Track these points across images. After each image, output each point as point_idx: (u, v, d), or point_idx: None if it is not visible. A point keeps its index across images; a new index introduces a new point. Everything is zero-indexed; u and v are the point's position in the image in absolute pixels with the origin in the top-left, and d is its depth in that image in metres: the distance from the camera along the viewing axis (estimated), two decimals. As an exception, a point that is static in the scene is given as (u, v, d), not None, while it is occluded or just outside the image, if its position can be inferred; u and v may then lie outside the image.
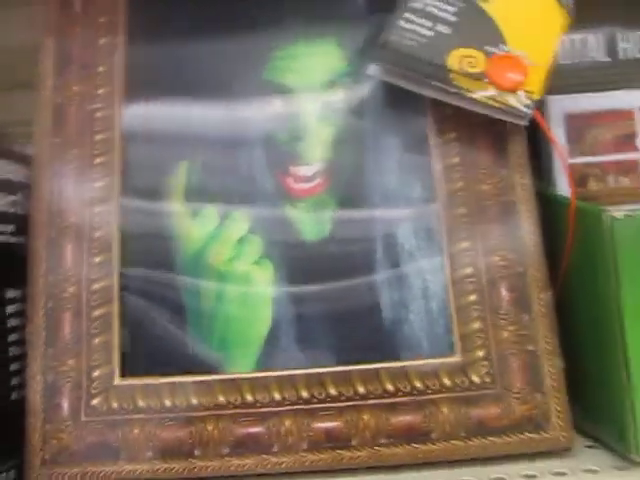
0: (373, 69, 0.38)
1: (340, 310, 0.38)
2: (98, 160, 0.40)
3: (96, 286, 0.38)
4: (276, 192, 0.39)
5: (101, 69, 0.41)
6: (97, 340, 0.38)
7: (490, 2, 0.38)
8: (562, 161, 0.37)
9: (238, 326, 0.38)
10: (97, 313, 0.38)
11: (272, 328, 0.37)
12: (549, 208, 0.38)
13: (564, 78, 0.43)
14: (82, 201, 0.39)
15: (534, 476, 0.34)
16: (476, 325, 0.37)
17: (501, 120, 0.38)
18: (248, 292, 0.38)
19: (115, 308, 0.38)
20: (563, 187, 0.41)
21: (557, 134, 0.42)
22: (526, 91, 0.36)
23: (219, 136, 0.40)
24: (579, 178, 0.43)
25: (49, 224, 0.39)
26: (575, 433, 0.36)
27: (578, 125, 0.43)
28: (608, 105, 0.43)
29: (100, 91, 0.41)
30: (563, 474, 0.34)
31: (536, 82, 0.36)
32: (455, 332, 0.37)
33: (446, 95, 0.37)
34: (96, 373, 0.37)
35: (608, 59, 0.44)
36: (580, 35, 0.44)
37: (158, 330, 0.38)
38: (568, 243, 0.36)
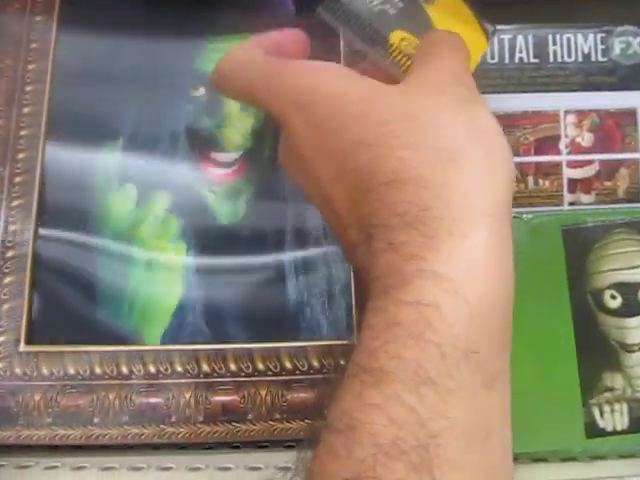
0: (323, 13, 0.39)
1: (248, 291, 0.39)
2: (23, 132, 0.41)
3: (10, 253, 0.39)
4: (195, 176, 0.41)
5: (34, 46, 0.42)
6: (5, 306, 0.38)
7: (431, 6, 0.42)
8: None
9: (147, 301, 0.39)
10: (7, 280, 0.39)
11: (180, 305, 0.39)
12: None
13: (491, 78, 0.44)
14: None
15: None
16: (374, 310, 0.39)
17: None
18: (160, 269, 0.39)
19: (27, 275, 0.39)
20: None
21: None
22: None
23: (146, 118, 0.42)
24: None
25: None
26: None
27: (501, 125, 0.44)
28: (533, 106, 0.44)
29: (30, 67, 0.42)
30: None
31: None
32: (354, 316, 0.39)
33: (384, 62, 0.39)
34: (2, 338, 0.38)
35: (536, 60, 0.44)
36: (509, 35, 0.44)
37: (68, 300, 0.39)
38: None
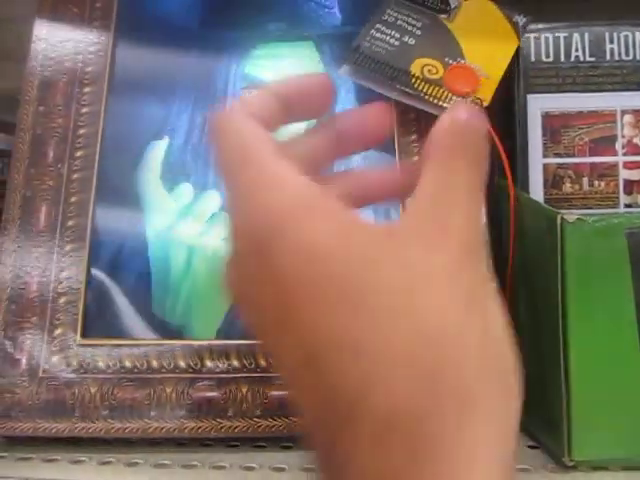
0: (344, 70, 0.42)
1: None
2: (81, 131, 0.42)
3: (66, 251, 0.40)
4: (248, 175, 0.42)
5: (91, 49, 0.44)
6: (62, 300, 0.39)
7: (453, 22, 0.43)
8: (502, 157, 0.40)
9: (202, 296, 0.39)
10: (65, 274, 0.39)
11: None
12: (515, 208, 0.40)
13: (546, 77, 0.44)
14: (59, 173, 0.41)
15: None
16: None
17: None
18: (215, 265, 0.40)
19: (84, 268, 0.39)
20: (536, 187, 0.43)
21: (534, 133, 0.43)
22: (477, 98, 0.40)
23: (198, 118, 0.43)
24: (553, 179, 0.43)
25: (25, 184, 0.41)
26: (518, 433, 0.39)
27: (556, 125, 0.43)
28: (589, 106, 0.43)
29: (88, 69, 0.43)
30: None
31: (487, 91, 0.41)
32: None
33: (407, 96, 0.41)
34: (58, 331, 0.38)
35: (592, 59, 0.44)
36: (565, 33, 0.44)
37: (124, 294, 0.39)
38: (511, 236, 0.39)
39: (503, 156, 0.39)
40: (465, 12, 0.44)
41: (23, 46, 0.44)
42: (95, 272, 0.39)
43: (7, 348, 0.37)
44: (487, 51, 0.42)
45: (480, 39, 0.42)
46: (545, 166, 0.44)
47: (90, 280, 0.39)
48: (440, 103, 0.40)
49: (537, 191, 0.44)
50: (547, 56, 0.45)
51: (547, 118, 0.44)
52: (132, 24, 0.45)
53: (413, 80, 0.40)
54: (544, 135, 0.44)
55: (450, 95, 0.40)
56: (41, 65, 0.43)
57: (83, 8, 0.44)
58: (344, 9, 0.46)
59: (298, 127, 0.28)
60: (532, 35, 0.45)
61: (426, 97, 0.40)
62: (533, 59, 0.45)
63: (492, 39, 0.42)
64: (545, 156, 0.44)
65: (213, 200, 0.41)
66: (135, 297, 0.39)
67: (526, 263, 0.39)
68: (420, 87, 0.40)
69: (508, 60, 0.42)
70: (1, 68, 0.56)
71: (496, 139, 0.39)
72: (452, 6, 0.44)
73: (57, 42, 0.44)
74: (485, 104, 0.40)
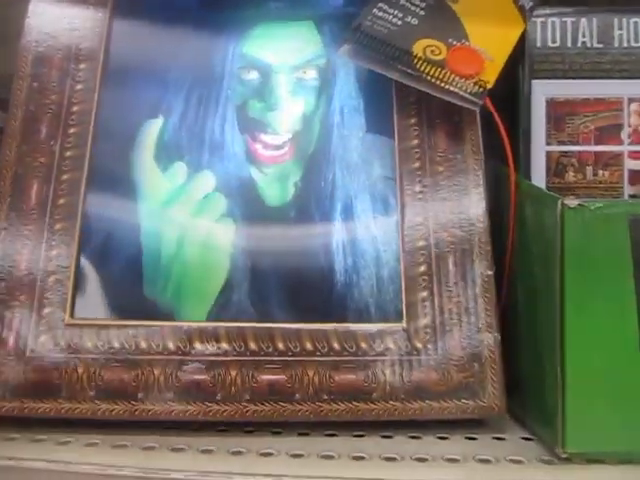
0: (344, 49, 0.41)
1: (295, 271, 0.39)
2: (75, 109, 0.41)
3: (56, 229, 0.39)
4: (244, 156, 0.41)
5: (87, 25, 0.43)
6: (51, 279, 0.38)
7: (457, 3, 0.42)
8: (504, 141, 0.39)
9: (194, 277, 0.39)
10: (55, 252, 0.39)
11: (227, 282, 0.38)
12: (515, 194, 0.40)
13: (551, 62, 0.43)
14: (51, 151, 0.40)
15: (456, 460, 0.35)
16: (423, 294, 0.38)
17: (458, 110, 0.41)
18: (207, 247, 0.39)
19: (74, 247, 0.38)
20: (538, 175, 0.42)
21: (538, 119, 0.43)
22: (480, 80, 0.39)
23: (194, 98, 0.42)
24: (556, 168, 0.42)
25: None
26: (513, 424, 0.38)
27: (560, 112, 0.42)
28: (595, 93, 0.42)
29: (83, 46, 0.42)
30: (487, 461, 0.34)
31: (491, 74, 0.40)
32: (403, 299, 0.38)
33: (408, 77, 0.40)
34: (47, 310, 0.37)
35: (600, 45, 0.43)
36: (572, 18, 0.43)
37: (114, 274, 0.39)
38: (510, 222, 0.39)
39: (505, 141, 0.38)
40: (471, -10, 0.43)
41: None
42: (85, 252, 0.39)
43: (-6, 325, 0.37)
44: (492, 34, 0.41)
45: (485, 22, 0.41)
46: (548, 154, 0.43)
47: (80, 260, 0.38)
48: (442, 85, 0.39)
49: (539, 179, 0.43)
50: (553, 41, 0.44)
51: (552, 104, 0.43)
52: (129, 1, 0.44)
53: (415, 61, 0.39)
54: (548, 122, 0.43)
55: (453, 76, 0.39)
56: (36, 41, 0.42)
57: (79, -17, 0.44)
58: (346, -11, 0.45)
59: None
60: (538, 19, 0.44)
61: (428, 78, 0.39)
62: (539, 44, 0.44)
63: (497, 22, 0.41)
64: (548, 143, 0.43)
65: (207, 181, 0.40)
66: (125, 277, 0.38)
67: (526, 250, 0.39)
68: (422, 68, 0.39)
69: (513, 44, 0.41)
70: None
71: (499, 123, 0.38)
72: (457, -13, 0.43)
73: (53, 18, 0.43)
74: (489, 86, 0.39)
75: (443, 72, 0.39)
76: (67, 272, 0.38)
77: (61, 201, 0.39)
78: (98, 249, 0.39)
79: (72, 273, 0.38)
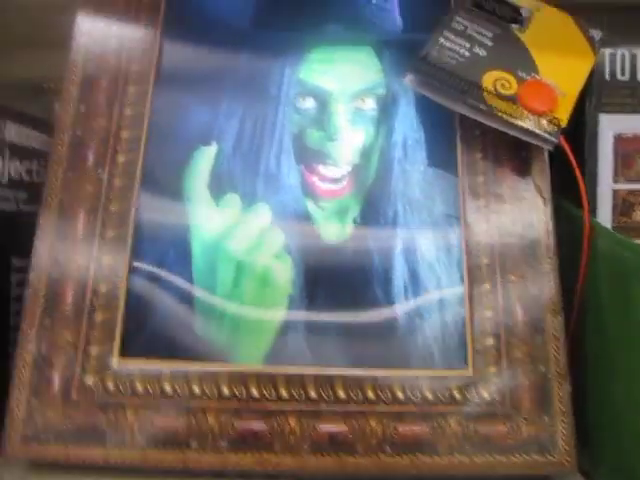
0: (410, 79, 0.39)
1: (355, 313, 0.37)
2: (124, 134, 0.39)
3: (104, 263, 0.37)
4: (300, 188, 0.39)
5: (137, 45, 0.41)
6: (99, 316, 0.36)
7: (525, 32, 0.40)
8: (579, 181, 0.37)
9: (251, 317, 0.36)
10: (103, 289, 0.36)
11: (284, 323, 0.36)
12: (579, 232, 0.38)
13: (620, 96, 0.42)
14: (98, 179, 0.38)
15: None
16: (490, 342, 0.36)
17: (526, 145, 0.39)
18: (264, 284, 0.37)
19: (122, 285, 0.36)
20: (604, 213, 0.40)
21: (604, 155, 0.41)
22: (554, 117, 0.37)
23: (248, 124, 0.40)
24: (623, 206, 0.41)
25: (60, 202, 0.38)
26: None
27: (628, 148, 0.41)
28: None
29: (133, 68, 0.40)
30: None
31: (564, 110, 0.38)
32: (469, 347, 0.36)
33: (478, 113, 0.38)
34: (94, 350, 0.35)
35: None
36: None
37: (165, 313, 0.36)
38: (581, 269, 0.37)
39: (581, 185, 0.36)
40: (538, 22, 0.41)
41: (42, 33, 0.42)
42: (135, 286, 0.37)
43: (40, 365, 0.35)
44: (562, 66, 0.39)
45: (554, 53, 0.39)
46: (615, 191, 0.42)
47: (129, 294, 0.36)
48: (515, 122, 0.37)
49: (605, 217, 0.41)
50: (622, 74, 0.42)
51: (619, 140, 0.42)
52: (180, 20, 0.42)
53: (485, 94, 0.37)
54: (615, 158, 0.41)
55: (526, 113, 0.37)
56: (83, 61, 0.40)
57: (129, 2, 0.42)
58: (405, 14, 0.43)
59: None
60: (607, 51, 0.42)
61: (499, 114, 0.37)
62: (607, 76, 0.42)
63: (567, 53, 0.39)
64: (616, 181, 0.42)
65: (263, 213, 0.38)
66: (177, 314, 0.36)
67: (597, 297, 0.37)
68: (493, 103, 0.37)
69: (584, 77, 0.39)
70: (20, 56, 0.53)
71: (574, 164, 0.36)
72: (524, 15, 0.41)
73: (100, 37, 0.41)
74: (563, 125, 0.37)
75: (515, 108, 0.37)
76: (115, 308, 0.36)
77: (109, 233, 0.37)
78: (148, 283, 0.37)
79: (121, 309, 0.36)
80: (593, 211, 0.41)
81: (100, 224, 0.37)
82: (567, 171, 0.40)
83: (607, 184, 0.42)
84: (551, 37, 0.40)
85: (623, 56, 0.42)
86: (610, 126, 0.41)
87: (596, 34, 0.41)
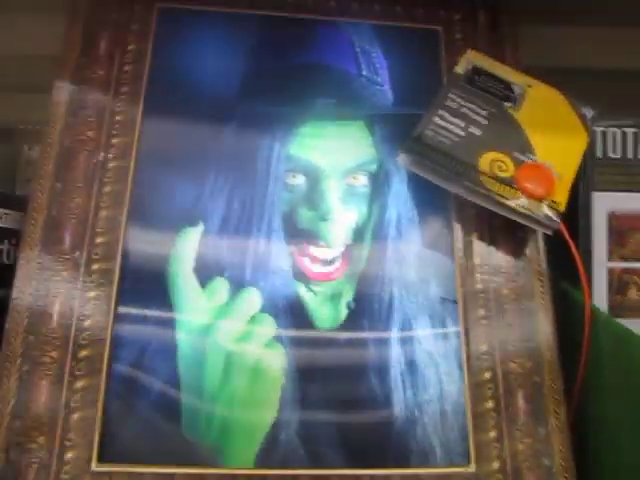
0: (404, 159, 0.38)
1: (351, 407, 0.35)
2: (103, 213, 0.37)
3: (83, 353, 0.34)
4: (292, 272, 0.37)
5: (118, 118, 0.39)
6: (76, 415, 0.33)
7: (519, 111, 0.40)
8: (578, 265, 0.37)
9: (242, 414, 0.34)
10: (79, 384, 0.34)
11: (277, 420, 0.34)
12: (578, 314, 0.37)
13: (612, 174, 0.42)
14: (75, 263, 0.36)
15: None
16: (492, 434, 0.35)
17: (521, 226, 0.38)
18: (256, 377, 0.35)
19: (102, 379, 0.34)
20: (599, 292, 0.40)
21: (598, 233, 0.41)
22: (553, 201, 0.37)
23: (238, 203, 0.38)
24: (618, 285, 0.41)
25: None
26: None
27: (622, 226, 0.41)
28: None
29: (114, 141, 0.38)
30: None
31: (562, 194, 0.37)
32: (471, 440, 0.35)
33: (475, 195, 0.37)
34: (70, 455, 0.32)
35: None
36: (634, 129, 0.42)
37: (147, 413, 0.34)
38: (584, 353, 0.36)
39: (580, 269, 0.36)
40: (530, 100, 0.41)
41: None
42: (115, 383, 0.34)
43: (8, 474, 0.32)
44: (557, 147, 0.39)
45: (549, 133, 0.39)
46: (610, 270, 0.41)
47: (109, 392, 0.34)
48: (513, 206, 0.36)
49: (600, 296, 0.41)
50: (614, 152, 0.42)
51: (613, 218, 0.41)
52: (164, 91, 0.40)
53: (482, 177, 0.37)
54: (609, 236, 0.41)
55: (524, 197, 0.36)
56: (60, 134, 0.38)
57: (110, 71, 0.40)
58: (396, 88, 0.42)
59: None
60: (599, 129, 0.42)
61: (497, 197, 0.36)
62: (599, 154, 0.42)
63: (561, 133, 0.39)
64: (610, 259, 0.41)
65: (253, 299, 0.36)
66: (160, 412, 0.34)
67: (599, 385, 0.36)
68: (490, 186, 0.36)
69: (580, 157, 0.39)
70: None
71: (574, 250, 0.36)
72: (516, 93, 0.41)
73: (78, 108, 0.39)
74: (561, 209, 0.36)
75: (512, 192, 0.36)
76: (93, 408, 0.33)
77: (87, 323, 0.35)
78: (129, 379, 0.34)
79: (100, 409, 0.33)
80: (589, 290, 0.41)
81: (75, 318, 0.35)
82: (561, 248, 0.39)
83: (601, 262, 0.41)
84: (544, 116, 0.40)
85: (614, 134, 0.42)
86: (603, 204, 0.41)
87: (588, 112, 0.41)
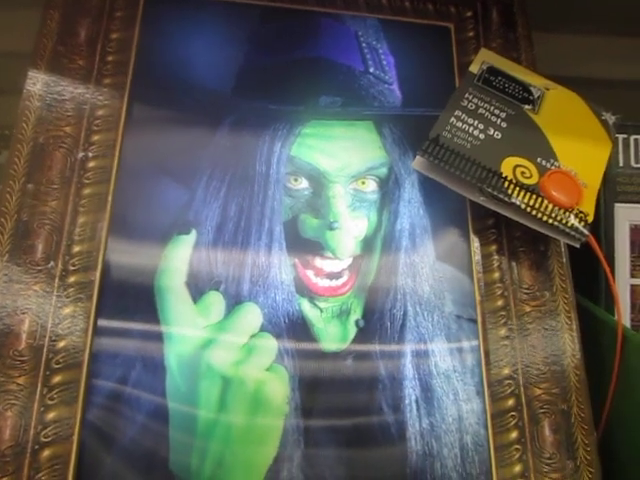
0: (420, 162, 0.34)
1: (361, 440, 0.31)
2: (81, 220, 0.32)
3: (56, 379, 0.30)
4: (294, 286, 0.33)
5: (100, 112, 0.34)
6: (47, 452, 0.28)
7: (539, 114, 0.37)
8: (610, 281, 0.34)
9: (240, 448, 0.30)
10: (52, 415, 0.29)
11: (279, 454, 0.30)
12: (605, 335, 0.35)
13: (636, 185, 0.39)
14: (50, 275, 0.31)
15: None
16: (517, 469, 0.32)
17: (544, 237, 0.35)
18: (257, 405, 0.31)
19: (78, 409, 0.29)
20: (622, 310, 0.36)
21: (620, 247, 0.38)
22: (580, 212, 0.34)
23: (234, 209, 0.34)
24: None
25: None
26: None
27: None
28: None
29: (95, 137, 0.34)
30: None
31: (589, 203, 0.34)
32: (494, 475, 0.31)
33: (497, 203, 0.34)
34: (40, 499, 0.28)
35: None
36: None
37: (130, 446, 0.29)
38: (613, 377, 0.33)
39: (614, 288, 0.33)
40: (549, 103, 0.38)
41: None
42: (93, 414, 0.29)
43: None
44: (580, 153, 0.36)
45: (571, 138, 0.36)
46: (633, 287, 0.38)
47: (86, 425, 0.29)
48: (540, 216, 0.33)
49: (623, 314, 0.38)
50: (637, 161, 0.39)
51: (636, 231, 0.39)
52: (152, 84, 0.36)
53: (506, 184, 0.33)
54: (632, 251, 0.38)
55: (551, 207, 0.33)
56: (32, 129, 0.34)
57: (91, 61, 0.35)
58: (405, 86, 0.39)
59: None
60: (620, 137, 0.39)
61: (522, 206, 0.33)
62: (621, 164, 0.39)
63: (584, 138, 0.36)
64: (633, 275, 0.38)
65: (251, 316, 0.32)
66: (145, 447, 0.29)
67: (630, 413, 0.33)
68: (514, 193, 0.33)
69: (604, 165, 0.36)
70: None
71: (605, 266, 0.33)
72: (535, 96, 0.38)
73: (55, 101, 0.34)
74: (590, 219, 0.33)
75: (539, 200, 0.33)
76: (67, 443, 0.29)
77: (61, 344, 0.30)
78: (108, 408, 0.29)
79: (74, 443, 0.29)
80: (610, 308, 0.38)
81: (49, 332, 0.30)
82: (577, 260, 0.36)
83: (624, 279, 0.38)
84: (565, 120, 0.37)
85: (637, 142, 0.39)
86: (626, 216, 0.39)
87: (609, 118, 0.38)
